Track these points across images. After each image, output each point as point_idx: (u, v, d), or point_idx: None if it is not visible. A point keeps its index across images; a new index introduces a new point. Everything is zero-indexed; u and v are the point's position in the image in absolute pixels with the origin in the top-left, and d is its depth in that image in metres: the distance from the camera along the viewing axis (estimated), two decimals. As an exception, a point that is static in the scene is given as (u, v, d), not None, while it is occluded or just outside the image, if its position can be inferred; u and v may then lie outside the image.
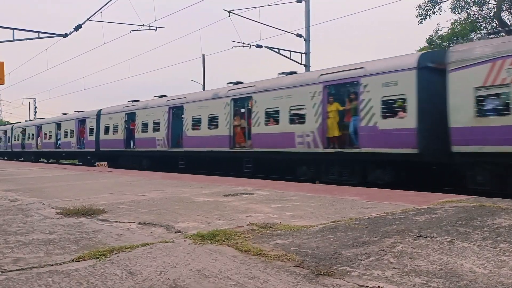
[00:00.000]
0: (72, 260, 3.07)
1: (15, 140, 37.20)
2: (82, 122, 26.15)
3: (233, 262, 2.97)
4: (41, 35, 17.56)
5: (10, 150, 38.77)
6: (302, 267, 2.83)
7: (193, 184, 9.19)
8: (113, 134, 22.60)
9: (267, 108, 14.14)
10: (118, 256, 3.16)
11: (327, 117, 12.37)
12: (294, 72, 14.95)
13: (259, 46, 20.59)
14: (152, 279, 2.63)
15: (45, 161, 33.04)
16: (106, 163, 18.55)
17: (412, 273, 2.69)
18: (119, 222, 4.60)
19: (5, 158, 42.88)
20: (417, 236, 3.69)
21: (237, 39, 20.77)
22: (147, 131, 19.89)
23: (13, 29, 16.83)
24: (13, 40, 16.82)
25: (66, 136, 27.91)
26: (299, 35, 20.22)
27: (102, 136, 23.55)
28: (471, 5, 29.23)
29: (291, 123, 13.32)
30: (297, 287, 2.47)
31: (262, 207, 5.63)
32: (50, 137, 30.23)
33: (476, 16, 29.45)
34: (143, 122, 20.22)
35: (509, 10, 28.99)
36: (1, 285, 2.56)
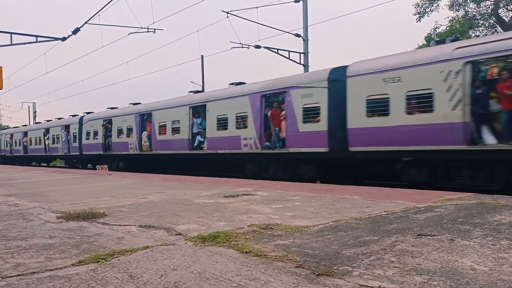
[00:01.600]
0: (73, 264, 3.07)
1: (87, 139, 24.75)
2: (272, 99, 14.12)
3: (234, 264, 2.97)
4: (39, 39, 17.62)
5: (77, 153, 25.82)
6: (303, 268, 2.83)
7: (194, 185, 9.18)
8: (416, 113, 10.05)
9: None
10: (118, 259, 3.16)
11: None
12: None
13: (257, 47, 20.63)
14: (153, 282, 2.63)
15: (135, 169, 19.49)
16: (106, 166, 18.10)
17: (413, 272, 2.69)
18: (120, 225, 4.60)
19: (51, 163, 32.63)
20: (417, 235, 3.69)
21: (235, 40, 20.73)
22: None
23: (11, 33, 16.86)
24: (11, 44, 16.85)
25: (223, 126, 15.55)
26: (298, 35, 20.25)
27: (363, 120, 10.96)
28: (469, 2, 29.32)
29: None
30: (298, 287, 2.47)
31: (262, 207, 5.62)
32: (175, 130, 18.04)
33: (474, 13, 29.53)
34: None
35: (506, 7, 29.04)
36: (2, 290, 2.56)
